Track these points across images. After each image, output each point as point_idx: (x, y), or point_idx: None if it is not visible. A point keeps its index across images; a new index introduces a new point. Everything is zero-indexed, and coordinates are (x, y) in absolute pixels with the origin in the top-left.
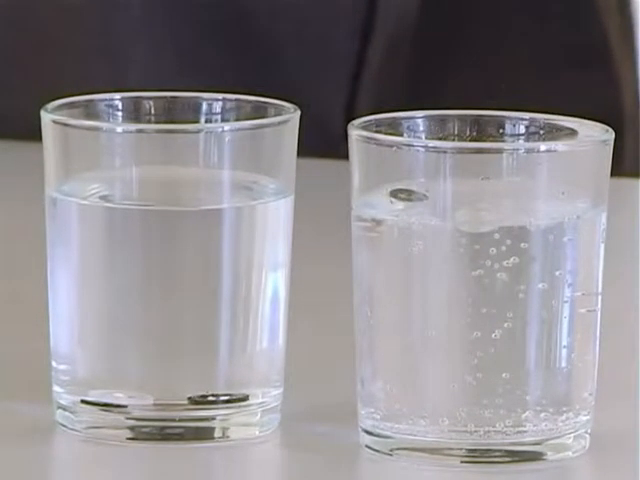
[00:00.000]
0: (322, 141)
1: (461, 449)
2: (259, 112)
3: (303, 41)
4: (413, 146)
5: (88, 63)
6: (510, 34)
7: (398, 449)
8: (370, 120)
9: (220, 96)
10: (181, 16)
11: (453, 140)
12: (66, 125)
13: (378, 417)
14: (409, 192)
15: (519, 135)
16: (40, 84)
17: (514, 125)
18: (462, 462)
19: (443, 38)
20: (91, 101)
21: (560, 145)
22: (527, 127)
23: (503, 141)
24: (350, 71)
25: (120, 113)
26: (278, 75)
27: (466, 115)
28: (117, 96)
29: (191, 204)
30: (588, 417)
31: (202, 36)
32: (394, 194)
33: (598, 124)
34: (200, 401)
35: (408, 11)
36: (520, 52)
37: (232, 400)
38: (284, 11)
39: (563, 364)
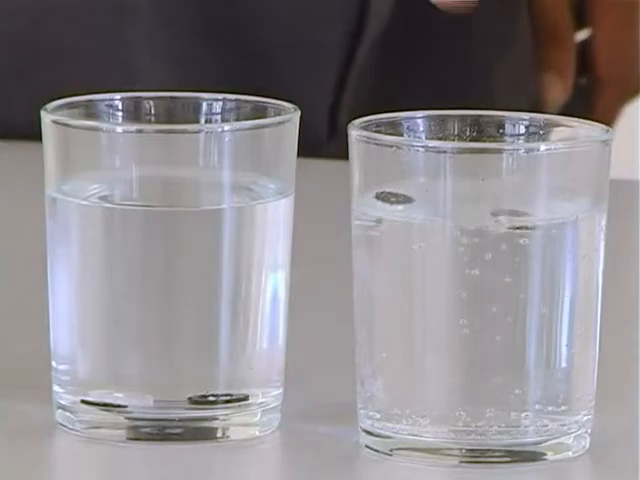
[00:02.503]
0: (307, 142)
1: (461, 449)
2: (259, 112)
3: (291, 43)
4: (413, 146)
5: (91, 66)
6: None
7: (398, 449)
8: (370, 120)
9: (220, 96)
10: (181, 21)
11: (453, 140)
12: (66, 125)
13: (378, 417)
14: (395, 195)
15: (519, 135)
16: (42, 86)
17: (514, 125)
18: (462, 462)
19: (431, 43)
20: (91, 101)
21: (560, 145)
22: (527, 127)
23: (503, 141)
24: (336, 74)
25: (120, 113)
26: (265, 77)
27: (466, 115)
28: (117, 96)
29: (191, 204)
30: (588, 417)
31: (198, 38)
32: (380, 197)
33: (598, 124)
34: (200, 401)
35: (398, 16)
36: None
37: (232, 400)
38: (275, 15)
39: (563, 364)
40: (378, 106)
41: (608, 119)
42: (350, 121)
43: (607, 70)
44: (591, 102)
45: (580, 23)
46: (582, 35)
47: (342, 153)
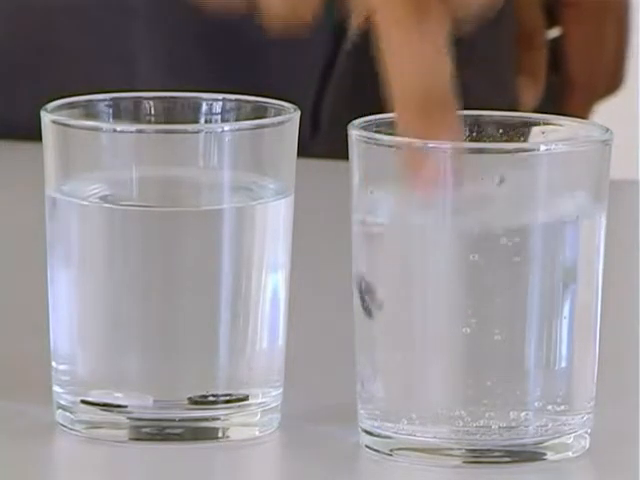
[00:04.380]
0: None
1: (461, 449)
2: (259, 112)
3: (275, 43)
4: (413, 146)
5: (90, 68)
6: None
7: (398, 449)
8: (370, 120)
9: (220, 96)
10: (177, 22)
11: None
12: (66, 125)
13: (378, 417)
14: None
15: (519, 135)
16: (43, 87)
17: (513, 125)
18: (462, 462)
19: None
20: (91, 101)
21: (560, 145)
22: (527, 127)
23: (503, 141)
24: (320, 72)
25: (120, 113)
26: (250, 76)
27: (466, 115)
28: (117, 96)
29: (191, 204)
30: (588, 417)
31: (193, 39)
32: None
33: (598, 124)
34: (200, 401)
35: None
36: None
37: (232, 400)
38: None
39: (563, 364)
40: (360, 105)
41: (579, 118)
42: (331, 120)
43: (577, 70)
44: (562, 101)
45: (550, 22)
46: (553, 33)
47: (324, 152)
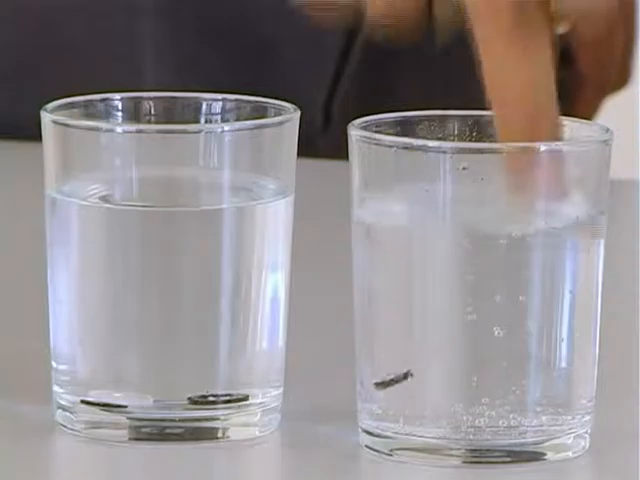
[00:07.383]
0: (301, 134)
1: (461, 449)
2: (259, 112)
3: (289, 37)
4: (413, 146)
5: (96, 67)
6: None
7: (398, 449)
8: (370, 120)
9: (220, 96)
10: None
11: (453, 140)
12: (66, 125)
13: (378, 417)
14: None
15: None
16: (48, 87)
17: None
18: (462, 462)
19: (426, 38)
20: (91, 101)
21: (560, 145)
22: None
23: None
24: (333, 66)
25: (120, 113)
26: (264, 70)
27: (466, 115)
28: (117, 96)
29: (191, 204)
30: (588, 417)
31: (201, 36)
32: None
33: (598, 124)
34: (200, 401)
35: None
36: None
37: (232, 400)
38: (274, 9)
39: (563, 364)
40: (373, 99)
41: (589, 113)
42: (344, 113)
43: (587, 65)
44: (572, 97)
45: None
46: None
47: (336, 146)
